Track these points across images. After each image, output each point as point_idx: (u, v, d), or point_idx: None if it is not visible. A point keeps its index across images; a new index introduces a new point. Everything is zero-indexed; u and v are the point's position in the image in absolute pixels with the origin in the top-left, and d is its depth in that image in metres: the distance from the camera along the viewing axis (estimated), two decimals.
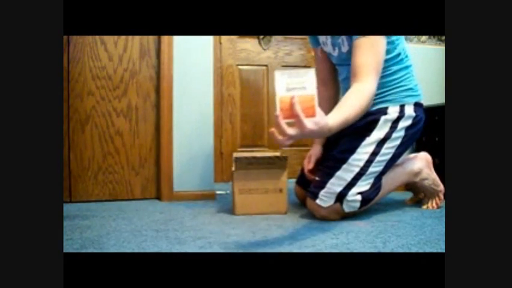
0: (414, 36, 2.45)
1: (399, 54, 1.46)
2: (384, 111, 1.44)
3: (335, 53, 1.53)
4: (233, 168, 1.52)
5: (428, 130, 2.22)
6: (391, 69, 1.45)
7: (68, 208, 1.64)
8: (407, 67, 1.50)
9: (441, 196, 1.65)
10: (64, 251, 0.97)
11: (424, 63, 2.43)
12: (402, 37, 1.50)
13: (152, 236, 1.16)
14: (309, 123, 0.99)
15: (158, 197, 1.92)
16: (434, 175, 1.66)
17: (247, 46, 2.83)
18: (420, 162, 1.63)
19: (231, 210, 1.56)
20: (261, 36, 2.85)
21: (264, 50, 2.87)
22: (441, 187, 1.65)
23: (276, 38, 2.88)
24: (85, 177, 1.84)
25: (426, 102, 2.29)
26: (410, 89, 1.50)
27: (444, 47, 2.35)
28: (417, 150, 2.07)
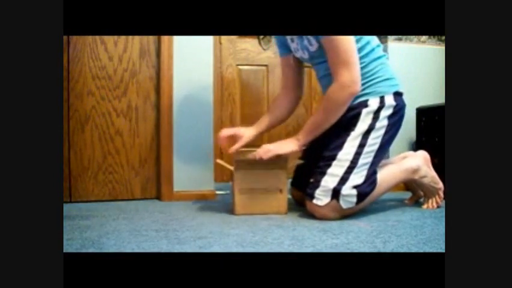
0: (414, 36, 2.45)
1: (367, 43, 1.48)
2: (365, 104, 1.47)
3: (306, 56, 1.57)
4: (233, 168, 1.52)
5: (428, 130, 2.23)
6: (363, 61, 1.47)
7: (68, 208, 1.63)
8: (379, 57, 1.52)
9: (441, 194, 1.65)
10: (64, 251, 0.97)
11: (424, 63, 2.43)
12: None
13: (152, 236, 1.16)
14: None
15: (158, 197, 1.92)
16: (433, 173, 1.66)
17: (247, 46, 2.83)
18: (419, 160, 1.64)
19: (231, 210, 1.56)
20: (261, 36, 2.85)
21: (264, 50, 2.86)
22: (440, 185, 1.65)
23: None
24: (85, 177, 1.84)
25: (426, 102, 2.31)
26: (387, 79, 1.52)
27: (444, 47, 2.35)
28: (417, 150, 2.07)
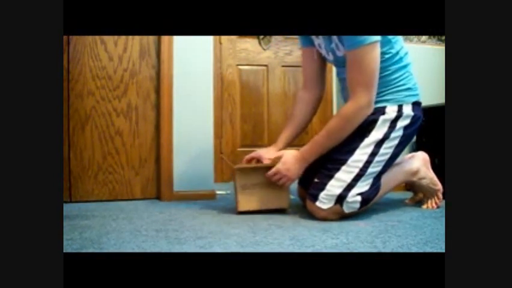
0: (414, 36, 2.45)
1: (397, 53, 1.45)
2: (382, 111, 1.44)
3: (330, 57, 1.53)
4: (234, 166, 1.53)
5: (428, 130, 2.22)
6: (390, 69, 1.44)
7: (68, 208, 1.63)
8: (405, 66, 1.49)
9: (440, 195, 1.66)
10: (64, 251, 0.97)
11: (424, 63, 2.43)
12: (400, 36, 1.50)
13: (152, 236, 1.16)
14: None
15: (158, 197, 1.92)
16: (431, 174, 1.66)
17: (247, 46, 2.84)
18: (418, 162, 1.64)
19: (231, 210, 1.56)
20: (261, 36, 2.85)
21: (264, 50, 2.87)
22: (439, 186, 1.66)
23: (276, 38, 2.88)
24: (85, 177, 1.84)
25: (426, 102, 2.29)
26: (409, 88, 1.49)
27: (444, 47, 2.35)
28: (417, 150, 2.07)
